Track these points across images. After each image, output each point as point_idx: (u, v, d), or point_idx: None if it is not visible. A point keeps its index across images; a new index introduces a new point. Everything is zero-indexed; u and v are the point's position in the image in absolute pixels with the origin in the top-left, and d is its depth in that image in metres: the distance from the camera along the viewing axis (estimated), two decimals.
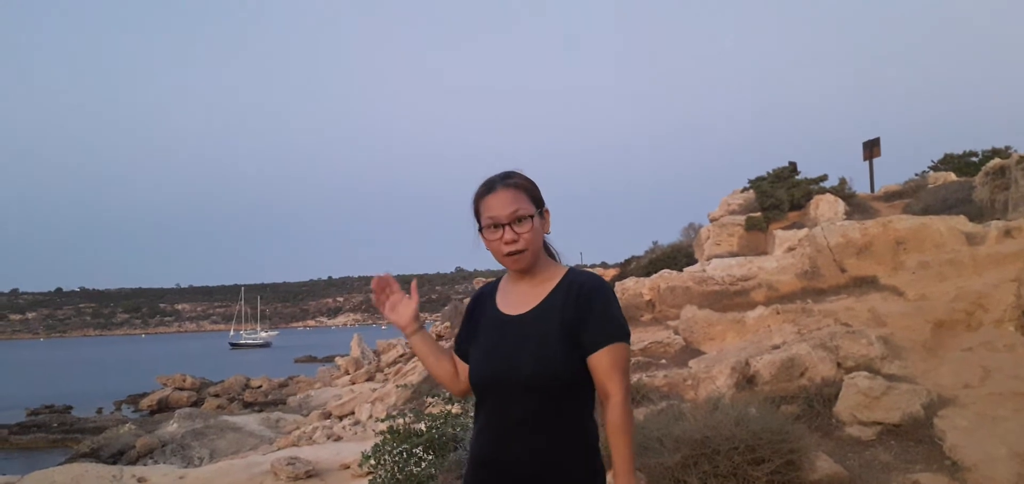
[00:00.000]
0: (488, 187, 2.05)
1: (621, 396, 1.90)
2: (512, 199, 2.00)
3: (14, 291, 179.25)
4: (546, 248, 2.12)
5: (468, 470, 2.08)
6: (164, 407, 31.88)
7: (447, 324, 25.22)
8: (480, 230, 2.06)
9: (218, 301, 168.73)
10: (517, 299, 2.06)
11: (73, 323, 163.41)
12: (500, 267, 2.13)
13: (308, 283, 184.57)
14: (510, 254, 2.00)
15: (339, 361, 35.10)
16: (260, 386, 35.82)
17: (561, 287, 2.02)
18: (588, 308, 1.95)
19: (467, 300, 2.28)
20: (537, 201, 2.06)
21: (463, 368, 2.16)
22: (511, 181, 2.04)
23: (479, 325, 2.10)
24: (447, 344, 2.54)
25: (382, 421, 6.29)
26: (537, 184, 2.10)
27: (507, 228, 1.99)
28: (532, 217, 2.01)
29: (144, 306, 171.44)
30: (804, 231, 12.03)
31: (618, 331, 1.94)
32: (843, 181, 18.20)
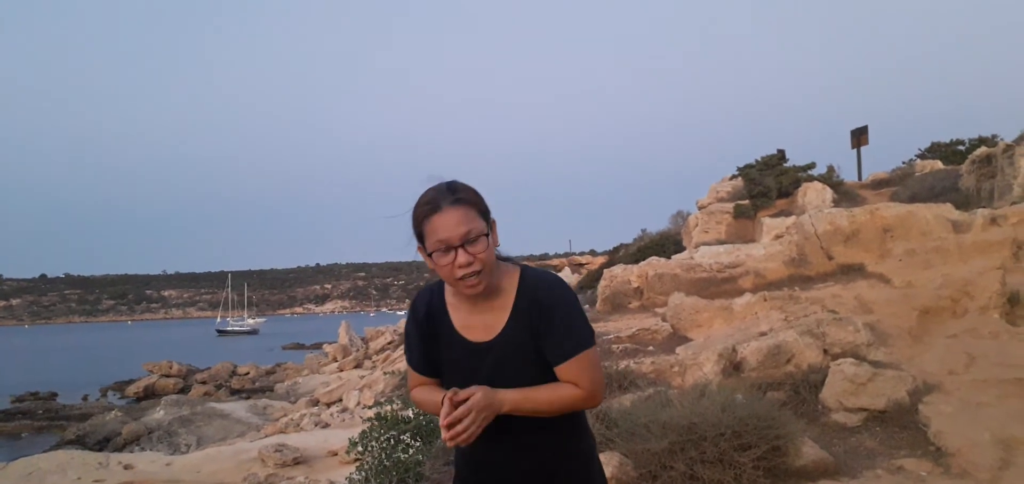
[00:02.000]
0: (433, 207, 1.81)
1: (588, 390, 1.85)
2: (462, 217, 1.78)
3: None
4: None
5: (464, 473, 2.01)
6: (150, 394, 31.72)
7: None
8: (428, 254, 1.83)
9: (205, 288, 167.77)
10: (478, 321, 1.91)
11: (58, 310, 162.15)
12: None
13: (295, 270, 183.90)
14: (464, 278, 1.80)
15: (327, 348, 35.07)
16: (247, 373, 35.72)
17: (521, 301, 1.87)
18: (549, 323, 1.84)
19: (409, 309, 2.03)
20: (485, 214, 1.86)
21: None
22: (458, 197, 1.81)
23: (441, 347, 1.95)
24: None
25: (370, 408, 6.28)
26: (480, 193, 1.87)
27: (460, 251, 1.78)
28: (486, 235, 1.82)
29: (130, 293, 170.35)
30: (792, 219, 12.09)
31: (582, 340, 1.85)
32: (831, 169, 18.33)
